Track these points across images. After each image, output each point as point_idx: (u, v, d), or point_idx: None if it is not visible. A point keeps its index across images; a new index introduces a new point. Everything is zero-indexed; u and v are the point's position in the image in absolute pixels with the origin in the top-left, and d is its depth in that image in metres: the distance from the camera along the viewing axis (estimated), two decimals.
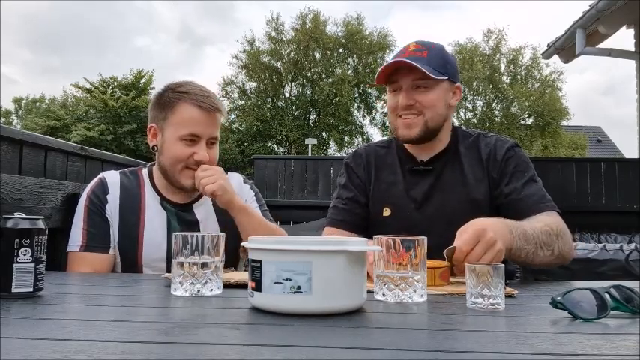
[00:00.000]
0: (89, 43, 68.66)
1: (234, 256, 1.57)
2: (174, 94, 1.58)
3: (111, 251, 1.58)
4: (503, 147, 1.59)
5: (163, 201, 1.64)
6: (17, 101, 39.29)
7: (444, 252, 1.15)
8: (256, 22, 69.19)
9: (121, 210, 1.60)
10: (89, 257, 1.55)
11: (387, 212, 1.61)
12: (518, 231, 1.29)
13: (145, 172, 1.70)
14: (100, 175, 1.66)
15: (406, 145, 1.64)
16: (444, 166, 1.60)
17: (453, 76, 1.56)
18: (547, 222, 1.40)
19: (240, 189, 1.79)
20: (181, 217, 1.64)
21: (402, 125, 1.56)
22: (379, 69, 1.54)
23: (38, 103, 36.91)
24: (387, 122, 1.91)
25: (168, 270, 1.51)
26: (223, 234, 1.08)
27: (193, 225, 1.63)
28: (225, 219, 1.68)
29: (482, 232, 1.16)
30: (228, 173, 1.84)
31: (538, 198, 1.51)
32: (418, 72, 1.48)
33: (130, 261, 1.58)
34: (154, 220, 1.61)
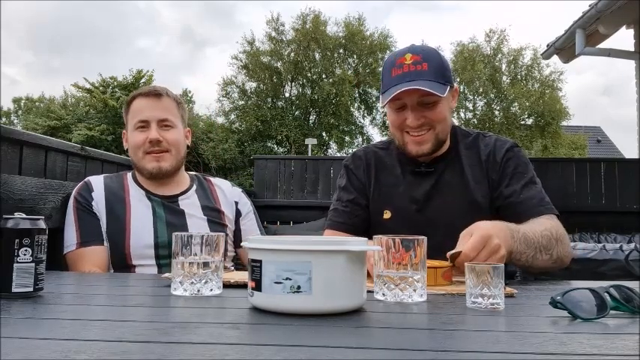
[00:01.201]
0: (91, 45, 68.64)
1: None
2: (130, 99, 1.76)
3: (105, 243, 1.62)
4: (503, 147, 1.58)
5: (149, 194, 1.71)
6: (16, 101, 39.26)
7: (447, 255, 1.15)
8: (258, 24, 69.28)
9: (107, 204, 1.66)
10: (87, 252, 1.58)
11: (387, 214, 1.60)
12: (520, 235, 1.29)
13: (129, 175, 1.79)
14: (85, 179, 1.74)
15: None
16: (444, 168, 1.59)
17: (451, 81, 1.53)
18: (547, 226, 1.40)
19: (230, 191, 1.86)
20: (167, 206, 1.70)
21: (412, 142, 1.53)
22: (389, 95, 1.45)
23: (37, 103, 36.90)
24: (390, 134, 1.77)
25: (157, 258, 1.60)
26: (223, 234, 1.09)
27: (179, 214, 1.69)
28: (211, 213, 1.75)
29: (488, 239, 1.15)
30: (216, 178, 1.92)
31: (537, 201, 1.50)
32: (424, 90, 1.43)
33: (119, 250, 1.61)
34: (140, 209, 1.67)
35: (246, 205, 1.88)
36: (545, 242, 1.35)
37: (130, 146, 1.73)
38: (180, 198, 1.74)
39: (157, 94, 1.71)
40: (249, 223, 1.86)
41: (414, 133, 1.52)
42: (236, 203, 1.85)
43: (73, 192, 1.70)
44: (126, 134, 1.77)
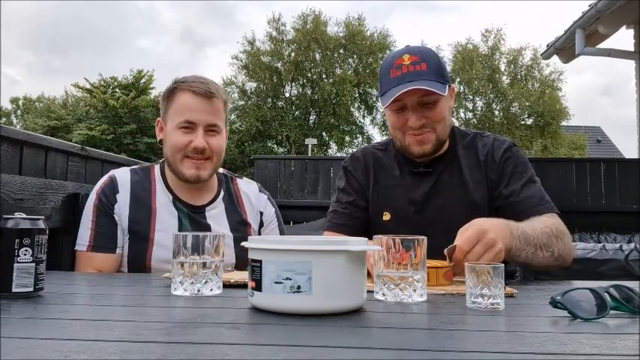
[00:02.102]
0: (91, 45, 68.70)
1: (244, 263, 1.57)
2: (174, 85, 1.59)
3: (118, 251, 1.56)
4: (501, 147, 1.58)
5: (176, 200, 1.61)
6: (14, 101, 39.18)
7: (445, 251, 1.16)
8: (258, 24, 69.40)
9: (131, 210, 1.57)
10: (95, 258, 1.54)
11: (386, 216, 1.59)
12: (519, 232, 1.29)
13: (157, 169, 1.67)
14: (110, 173, 1.63)
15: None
16: (443, 169, 1.59)
17: (449, 80, 1.53)
18: (547, 223, 1.40)
19: (256, 199, 1.76)
20: (193, 219, 1.60)
21: (414, 142, 1.52)
22: (389, 96, 1.44)
23: (36, 103, 36.88)
24: (390, 134, 1.68)
25: None
26: (223, 234, 1.09)
27: (205, 229, 1.59)
28: (238, 227, 1.66)
29: (483, 233, 1.16)
30: (243, 180, 1.80)
31: (537, 200, 1.49)
32: (426, 90, 1.43)
33: (139, 262, 1.55)
34: (166, 220, 1.58)
35: (270, 214, 1.79)
36: (545, 239, 1.34)
37: (168, 144, 1.58)
38: (207, 208, 1.64)
39: (210, 94, 1.56)
40: (271, 232, 1.78)
41: (415, 132, 1.51)
42: (261, 214, 1.76)
43: (97, 187, 1.60)
44: (161, 123, 1.63)
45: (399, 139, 1.57)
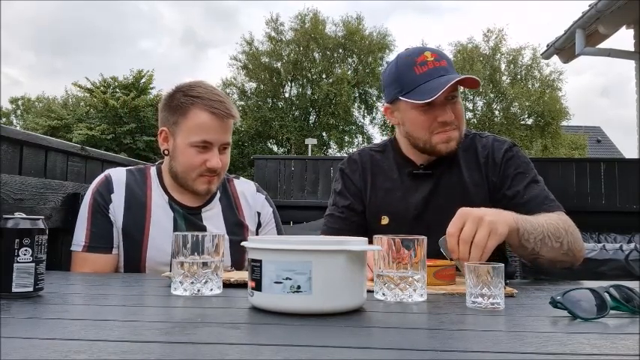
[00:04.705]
0: (93, 46, 68.63)
1: (240, 264, 1.57)
2: (186, 99, 1.53)
3: (114, 251, 1.54)
4: (501, 148, 1.56)
5: (172, 201, 1.60)
6: (14, 101, 39.14)
7: (438, 243, 1.16)
8: (260, 25, 69.44)
9: (126, 210, 1.56)
10: (91, 258, 1.53)
11: (385, 220, 1.56)
12: (521, 217, 1.26)
13: (153, 171, 1.65)
14: (106, 172, 1.62)
15: (405, 150, 1.60)
16: (443, 171, 1.56)
17: None
18: (553, 217, 1.38)
19: (253, 199, 1.74)
20: (189, 220, 1.59)
21: (442, 140, 1.48)
22: (440, 89, 1.39)
23: (36, 103, 36.89)
24: (406, 134, 1.57)
25: None
26: (224, 234, 1.09)
27: (201, 231, 1.55)
28: (234, 229, 1.65)
29: (466, 213, 1.15)
30: (240, 181, 1.78)
31: (542, 199, 1.47)
32: (470, 79, 1.43)
33: (134, 263, 1.54)
34: (161, 221, 1.57)
35: (268, 215, 1.76)
36: (552, 229, 1.31)
37: (180, 161, 1.55)
38: (203, 210, 1.62)
39: (228, 114, 1.54)
40: (269, 233, 1.76)
41: (446, 129, 1.48)
42: (258, 214, 1.73)
43: (92, 186, 1.59)
44: (166, 133, 1.58)
45: (423, 140, 1.51)
